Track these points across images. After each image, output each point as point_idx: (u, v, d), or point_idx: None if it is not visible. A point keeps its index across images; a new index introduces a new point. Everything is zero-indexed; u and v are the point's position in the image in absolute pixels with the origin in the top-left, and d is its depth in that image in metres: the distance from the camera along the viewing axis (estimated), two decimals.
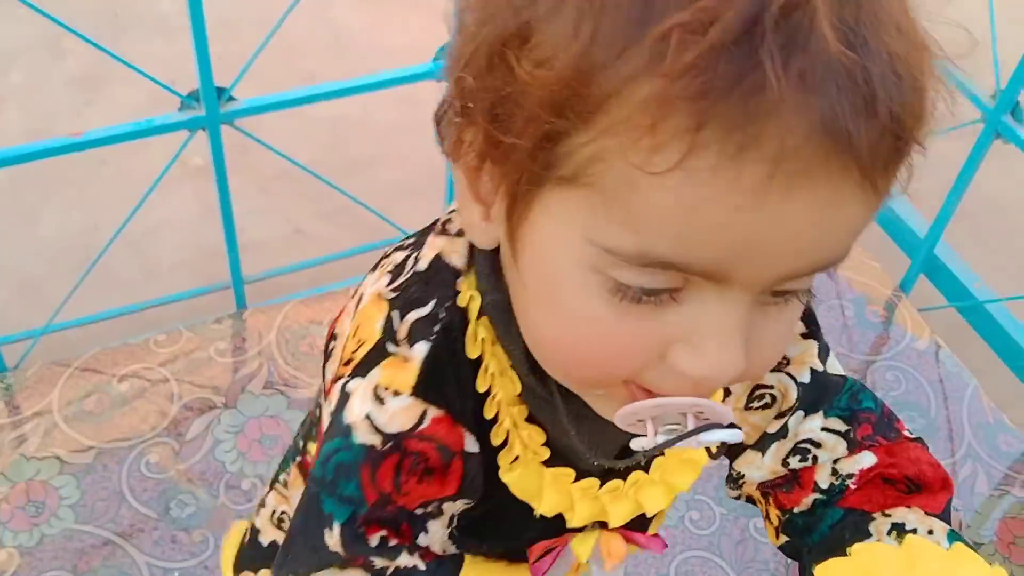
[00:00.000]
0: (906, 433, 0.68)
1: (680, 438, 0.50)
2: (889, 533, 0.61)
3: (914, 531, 0.61)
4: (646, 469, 0.66)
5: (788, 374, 0.66)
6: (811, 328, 0.67)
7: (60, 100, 2.23)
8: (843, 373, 0.69)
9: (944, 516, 0.64)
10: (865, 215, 0.46)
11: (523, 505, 0.64)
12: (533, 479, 0.62)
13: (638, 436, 0.52)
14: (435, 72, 1.47)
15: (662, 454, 0.65)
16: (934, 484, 0.65)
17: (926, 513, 0.63)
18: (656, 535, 0.72)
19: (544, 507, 0.63)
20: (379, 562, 0.57)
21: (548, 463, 0.62)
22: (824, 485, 0.66)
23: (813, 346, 0.66)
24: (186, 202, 2.01)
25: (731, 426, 0.51)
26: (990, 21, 1.59)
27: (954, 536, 0.61)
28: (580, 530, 0.68)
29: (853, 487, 0.65)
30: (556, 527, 0.67)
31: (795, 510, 0.68)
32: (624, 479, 0.66)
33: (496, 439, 0.60)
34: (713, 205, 0.42)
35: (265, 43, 1.32)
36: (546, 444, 0.62)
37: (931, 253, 1.76)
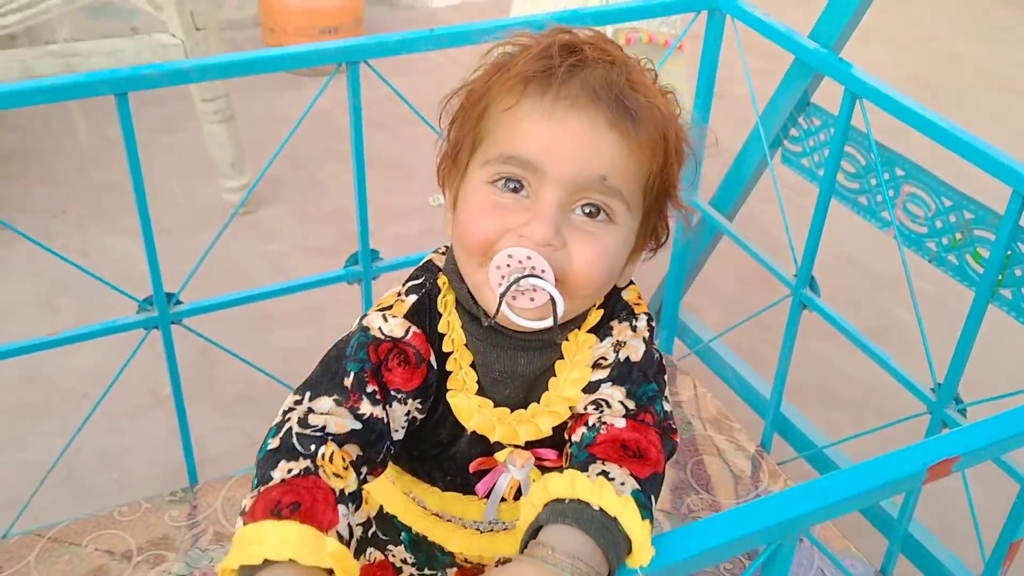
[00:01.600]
0: (669, 435, 0.99)
1: (516, 280, 0.90)
2: (598, 475, 0.88)
3: (612, 479, 0.87)
4: (538, 402, 1.02)
5: (618, 353, 1.01)
6: (648, 349, 1.03)
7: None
8: (653, 375, 1.02)
9: (643, 481, 0.89)
10: (620, 152, 0.91)
11: (467, 438, 1.01)
12: (468, 403, 1.00)
13: (497, 289, 0.91)
14: (347, 276, 1.84)
15: (547, 389, 1.02)
16: (651, 459, 0.93)
17: (630, 474, 0.89)
18: (550, 448, 1.04)
19: (473, 424, 1.00)
20: (364, 407, 0.92)
21: (477, 395, 1.00)
22: (590, 424, 0.96)
23: (639, 350, 1.02)
24: (158, 427, 2.34)
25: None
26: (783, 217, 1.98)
27: (637, 493, 0.86)
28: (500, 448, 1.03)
29: (603, 434, 0.94)
30: (489, 452, 1.02)
31: (572, 439, 0.98)
32: (525, 409, 1.03)
33: (450, 367, 1.01)
34: (529, 122, 0.90)
35: (207, 252, 1.70)
36: (477, 383, 1.01)
37: (778, 412, 2.04)
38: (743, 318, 2.08)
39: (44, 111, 3.57)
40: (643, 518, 0.83)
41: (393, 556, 1.16)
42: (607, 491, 0.85)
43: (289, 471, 0.84)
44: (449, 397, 0.99)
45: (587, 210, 0.92)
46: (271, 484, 0.83)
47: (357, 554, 1.16)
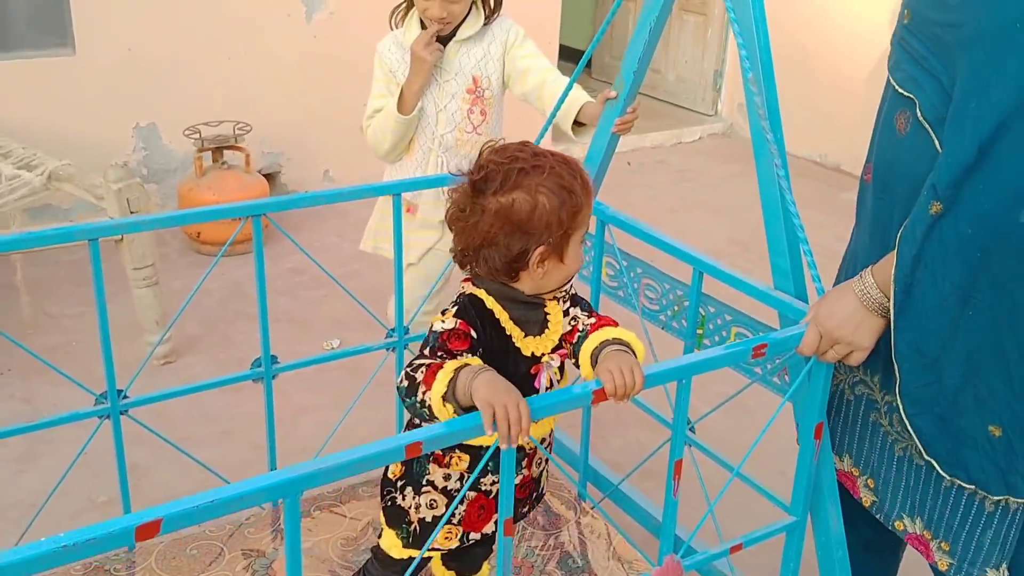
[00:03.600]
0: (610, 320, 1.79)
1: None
2: (611, 337, 1.71)
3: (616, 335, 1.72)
4: (548, 330, 1.81)
5: (571, 296, 1.84)
6: (577, 295, 1.87)
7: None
8: (585, 302, 1.85)
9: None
10: None
11: (523, 361, 1.78)
12: (523, 342, 1.77)
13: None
14: (252, 375, 2.44)
15: (548, 325, 1.81)
16: (613, 323, 1.78)
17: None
18: (563, 351, 1.82)
19: (527, 349, 1.77)
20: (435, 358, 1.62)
21: (524, 337, 1.78)
22: (580, 329, 1.78)
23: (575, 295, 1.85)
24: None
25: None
26: None
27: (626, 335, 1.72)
28: (539, 360, 1.79)
29: (589, 330, 1.75)
30: (534, 362, 1.79)
31: (573, 342, 1.78)
32: (542, 335, 1.80)
33: (507, 330, 1.75)
34: (586, 215, 1.73)
35: (134, 378, 2.29)
36: (521, 330, 1.77)
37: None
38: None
39: None
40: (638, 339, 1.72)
41: (483, 485, 1.84)
42: (621, 333, 1.74)
43: (419, 371, 1.61)
44: (516, 343, 1.77)
45: None
46: (417, 379, 1.61)
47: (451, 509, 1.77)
